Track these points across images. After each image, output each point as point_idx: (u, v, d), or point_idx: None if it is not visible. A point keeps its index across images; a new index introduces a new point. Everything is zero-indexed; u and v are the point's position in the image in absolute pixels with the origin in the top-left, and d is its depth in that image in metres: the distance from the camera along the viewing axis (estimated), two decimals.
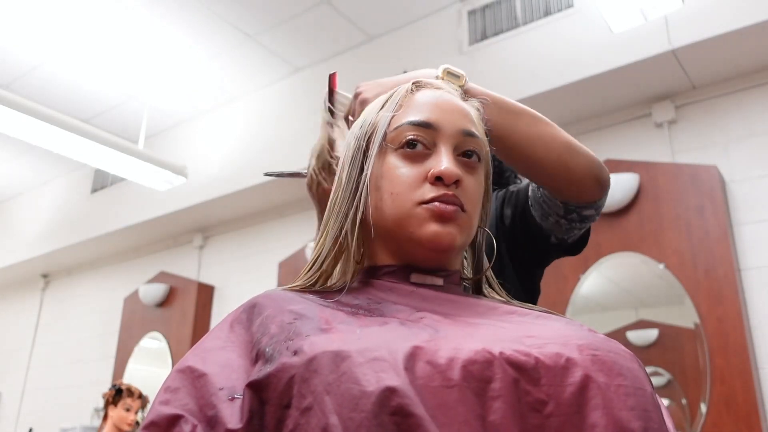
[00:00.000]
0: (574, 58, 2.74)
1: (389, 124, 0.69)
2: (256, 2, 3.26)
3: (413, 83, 0.73)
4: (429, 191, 0.65)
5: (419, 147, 0.67)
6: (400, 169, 0.66)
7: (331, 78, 0.98)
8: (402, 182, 0.66)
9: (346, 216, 0.68)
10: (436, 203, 0.64)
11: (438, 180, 0.65)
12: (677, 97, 2.81)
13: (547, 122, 0.84)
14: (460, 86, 0.80)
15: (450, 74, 0.82)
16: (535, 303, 1.05)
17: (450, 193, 0.64)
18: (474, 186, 0.68)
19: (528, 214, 0.98)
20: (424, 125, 0.67)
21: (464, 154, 0.68)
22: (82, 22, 3.42)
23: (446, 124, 0.67)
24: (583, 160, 0.84)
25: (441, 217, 0.64)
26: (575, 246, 1.00)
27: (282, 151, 3.67)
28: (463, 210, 0.65)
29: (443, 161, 0.65)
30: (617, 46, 2.64)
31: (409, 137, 0.67)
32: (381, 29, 3.43)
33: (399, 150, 0.67)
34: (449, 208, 0.64)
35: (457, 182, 0.65)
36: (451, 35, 3.21)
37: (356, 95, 0.89)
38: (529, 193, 0.97)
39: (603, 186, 0.87)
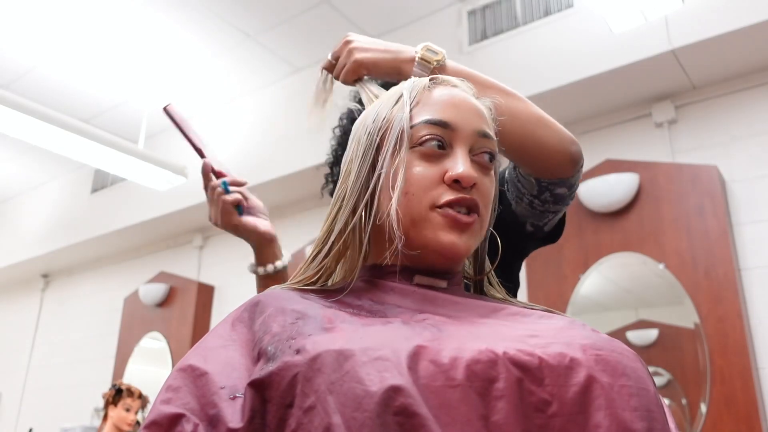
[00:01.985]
0: (574, 58, 2.74)
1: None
2: (256, 2, 3.26)
3: (430, 79, 0.72)
4: (445, 194, 0.64)
5: (435, 145, 0.65)
6: (415, 168, 0.65)
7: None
8: (417, 182, 0.64)
9: (354, 212, 0.67)
10: (451, 210, 0.63)
11: (455, 182, 0.64)
12: (677, 97, 2.81)
13: (517, 96, 0.84)
14: (437, 62, 0.82)
15: (429, 50, 0.83)
16: (515, 297, 1.05)
17: (468, 196, 0.64)
18: (488, 188, 0.67)
19: (503, 199, 0.97)
20: (441, 124, 0.66)
21: (479, 156, 0.67)
22: (82, 22, 3.42)
23: (463, 124, 0.67)
24: (553, 134, 0.84)
25: (458, 227, 0.63)
26: (551, 234, 1.00)
27: (282, 151, 3.67)
28: (478, 214, 0.65)
29: (460, 164, 0.64)
30: (617, 46, 2.63)
31: (427, 135, 0.65)
32: (381, 29, 3.43)
33: (414, 148, 0.66)
34: (466, 219, 0.63)
35: (473, 185, 0.64)
36: (451, 35, 3.21)
37: (346, 41, 0.89)
38: (506, 176, 0.97)
39: (574, 160, 0.86)
